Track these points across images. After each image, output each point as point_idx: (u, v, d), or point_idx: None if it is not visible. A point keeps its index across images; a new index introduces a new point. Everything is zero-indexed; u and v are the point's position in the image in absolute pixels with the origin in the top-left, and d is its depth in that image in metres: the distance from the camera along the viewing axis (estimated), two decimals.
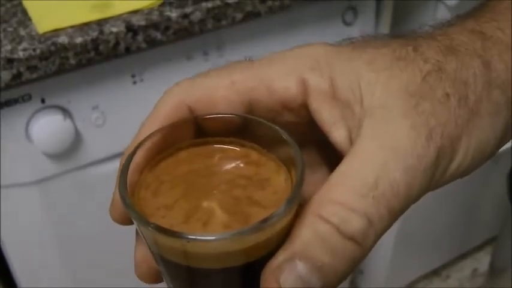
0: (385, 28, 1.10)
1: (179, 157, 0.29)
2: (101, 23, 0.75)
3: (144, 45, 0.77)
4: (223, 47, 0.87)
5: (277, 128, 0.26)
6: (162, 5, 0.78)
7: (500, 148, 0.28)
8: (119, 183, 0.26)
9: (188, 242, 0.23)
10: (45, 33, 0.73)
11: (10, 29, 0.74)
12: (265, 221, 0.23)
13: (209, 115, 0.28)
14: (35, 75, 0.71)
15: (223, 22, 0.81)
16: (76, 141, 0.81)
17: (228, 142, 0.28)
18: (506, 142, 0.28)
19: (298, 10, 0.90)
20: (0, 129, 0.76)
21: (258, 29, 0.89)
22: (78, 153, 0.83)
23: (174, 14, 0.77)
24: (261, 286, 0.23)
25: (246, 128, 0.27)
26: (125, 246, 0.99)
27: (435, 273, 1.71)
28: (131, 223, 0.29)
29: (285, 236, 0.24)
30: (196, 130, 0.28)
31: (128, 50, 0.76)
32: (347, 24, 1.01)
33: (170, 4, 0.79)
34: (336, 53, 0.26)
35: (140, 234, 0.28)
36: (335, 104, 0.25)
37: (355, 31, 1.02)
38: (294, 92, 0.26)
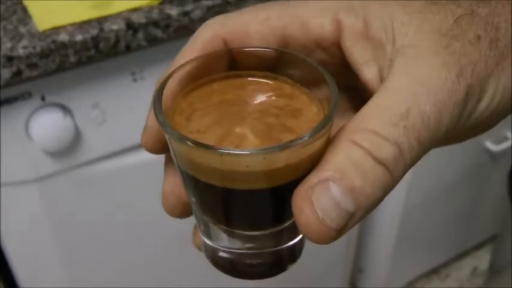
0: None
1: (212, 87, 0.29)
2: (101, 20, 0.75)
3: (144, 43, 0.77)
4: None
5: (311, 61, 0.26)
6: (162, 2, 0.78)
7: None
8: (154, 105, 0.26)
9: (222, 155, 0.23)
10: (45, 30, 0.73)
11: (10, 27, 0.74)
12: (296, 139, 0.23)
13: (244, 48, 0.28)
14: (35, 73, 0.71)
15: None
16: (76, 139, 0.81)
17: (262, 76, 0.29)
18: None
19: None
20: (0, 127, 0.76)
21: None
22: (78, 151, 0.83)
23: (174, 11, 0.77)
24: (292, 205, 0.23)
25: (280, 62, 0.28)
26: (125, 244, 1.00)
27: (435, 272, 1.71)
28: (162, 150, 0.29)
29: (316, 162, 0.24)
30: (230, 63, 0.28)
31: (128, 48, 0.76)
32: None
33: (170, 2, 0.79)
34: None
35: (173, 156, 0.27)
36: (367, 43, 0.26)
37: None
38: (328, 29, 0.26)
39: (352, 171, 0.22)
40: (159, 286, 1.09)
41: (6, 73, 0.70)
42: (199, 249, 0.30)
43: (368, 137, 0.23)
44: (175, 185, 0.29)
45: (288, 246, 0.29)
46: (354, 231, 1.43)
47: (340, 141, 0.23)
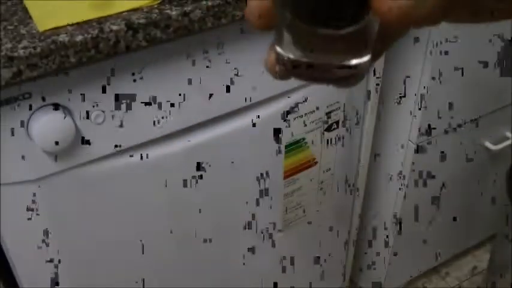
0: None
1: None
2: (101, 21, 0.75)
3: (144, 43, 0.77)
4: (223, 45, 0.87)
5: None
6: (162, 3, 0.79)
7: None
8: None
9: None
10: (45, 31, 0.73)
11: (10, 27, 0.74)
12: None
13: None
14: (35, 74, 0.71)
15: (223, 20, 0.81)
16: (76, 139, 0.81)
17: None
18: None
19: None
20: (0, 127, 0.76)
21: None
22: (78, 151, 0.83)
23: (174, 12, 0.77)
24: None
25: None
26: (126, 244, 1.00)
27: (434, 270, 1.72)
28: None
29: None
30: None
31: (128, 48, 0.76)
32: None
33: (170, 2, 0.79)
34: None
35: None
36: None
37: None
38: None
39: None
40: (160, 286, 1.09)
41: (6, 73, 0.70)
42: (273, 70, 0.32)
43: None
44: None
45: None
46: (353, 230, 1.43)
47: None
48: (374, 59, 0.32)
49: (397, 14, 0.25)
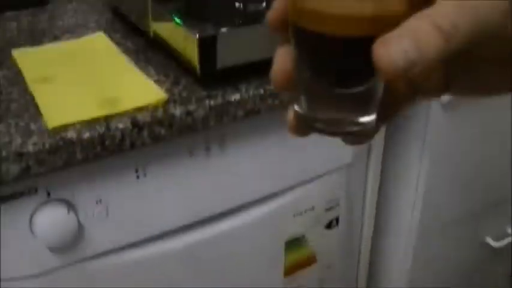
0: (379, 133, 1.13)
1: None
2: (108, 118, 0.78)
3: (148, 140, 0.80)
4: (225, 143, 0.90)
5: None
6: (167, 102, 0.82)
7: None
8: None
9: None
10: (54, 128, 0.76)
11: (22, 124, 0.77)
12: None
13: None
14: (42, 169, 0.74)
15: (225, 119, 0.84)
16: (79, 234, 0.82)
17: None
18: None
19: None
20: (3, 222, 0.77)
21: (259, 125, 0.93)
22: (81, 246, 0.84)
23: (178, 111, 0.80)
24: (374, 45, 0.29)
25: None
26: None
27: None
28: (282, 28, 0.34)
29: (396, 25, 0.30)
30: None
31: (132, 145, 0.79)
32: None
33: (174, 101, 0.82)
34: None
35: (290, 28, 0.33)
36: None
37: None
38: None
39: (419, 35, 0.29)
40: None
41: (14, 169, 0.72)
42: (292, 127, 0.36)
43: (432, 14, 0.30)
44: (285, 62, 0.35)
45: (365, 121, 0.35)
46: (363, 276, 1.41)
47: (413, 17, 0.30)
48: (383, 122, 0.36)
49: (397, 74, 0.29)
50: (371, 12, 0.30)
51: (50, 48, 1.01)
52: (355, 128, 0.34)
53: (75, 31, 1.09)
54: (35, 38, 1.06)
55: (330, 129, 0.35)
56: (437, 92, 0.38)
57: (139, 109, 0.80)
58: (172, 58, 0.93)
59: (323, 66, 0.33)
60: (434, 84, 0.37)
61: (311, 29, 0.31)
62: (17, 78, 0.90)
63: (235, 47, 0.85)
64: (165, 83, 0.88)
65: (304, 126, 0.36)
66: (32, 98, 0.83)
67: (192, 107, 0.81)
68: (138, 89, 0.85)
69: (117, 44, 1.01)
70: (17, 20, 1.15)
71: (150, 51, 0.99)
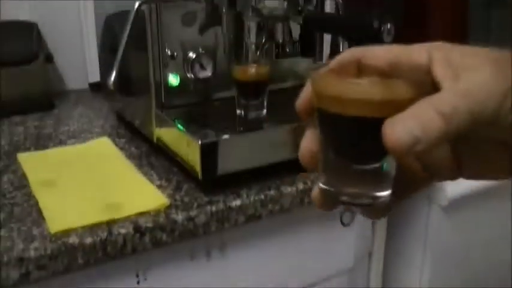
0: (381, 230, 1.14)
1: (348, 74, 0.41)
2: (110, 223, 0.79)
3: (149, 245, 0.80)
4: (225, 248, 0.90)
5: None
6: (169, 207, 0.83)
7: None
8: (310, 76, 0.39)
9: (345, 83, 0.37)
10: (56, 233, 0.76)
11: (24, 228, 0.78)
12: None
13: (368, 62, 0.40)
14: (43, 274, 0.74)
15: (226, 224, 0.85)
16: None
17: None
18: None
19: (297, 213, 0.95)
20: None
21: (260, 230, 0.93)
22: None
23: (180, 216, 0.81)
24: (382, 130, 0.35)
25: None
26: None
27: None
28: (307, 115, 0.41)
29: (404, 109, 0.35)
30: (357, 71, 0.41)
31: (134, 250, 0.79)
32: (345, 225, 1.05)
33: (176, 206, 0.83)
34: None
35: (316, 114, 0.39)
36: (444, 67, 0.38)
37: (352, 233, 1.06)
38: (424, 58, 0.39)
39: (422, 117, 0.35)
40: None
41: (14, 274, 0.72)
42: (316, 200, 0.41)
43: (435, 100, 0.35)
44: (311, 143, 0.41)
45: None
46: None
47: (418, 102, 0.36)
48: (400, 199, 0.42)
49: (403, 150, 0.35)
50: (380, 97, 0.36)
51: (54, 152, 1.03)
52: (372, 202, 0.39)
53: (80, 136, 1.12)
54: (41, 143, 1.08)
55: (350, 202, 0.39)
56: (450, 174, 0.43)
57: (142, 214, 0.81)
58: (175, 163, 0.95)
59: (342, 144, 0.38)
60: (446, 166, 0.42)
61: (331, 111, 0.37)
62: (21, 182, 0.92)
63: (236, 153, 0.87)
64: (167, 188, 0.89)
65: (328, 201, 0.41)
66: (36, 202, 0.85)
67: (193, 213, 0.82)
68: (140, 194, 0.87)
69: (121, 149, 1.04)
70: (24, 125, 1.18)
71: (153, 156, 1.01)
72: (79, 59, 1.41)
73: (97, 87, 1.36)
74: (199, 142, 0.85)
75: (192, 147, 0.86)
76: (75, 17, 1.39)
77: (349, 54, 0.41)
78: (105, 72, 1.20)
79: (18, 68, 1.23)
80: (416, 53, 0.39)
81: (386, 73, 0.40)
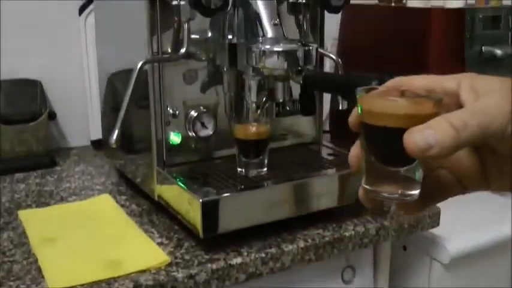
0: (383, 286, 1.13)
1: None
2: (110, 281, 0.79)
3: None
4: None
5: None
6: (169, 264, 0.83)
7: None
8: (357, 94, 0.47)
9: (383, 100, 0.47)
10: None
11: (23, 286, 0.77)
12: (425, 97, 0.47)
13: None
14: None
15: (227, 283, 0.85)
16: None
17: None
18: None
19: (298, 270, 0.95)
20: None
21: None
22: None
23: (180, 274, 0.81)
24: (403, 137, 0.43)
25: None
26: None
27: None
28: (356, 128, 0.48)
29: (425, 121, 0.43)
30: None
31: None
32: (346, 282, 1.05)
33: (177, 264, 0.83)
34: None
35: (361, 128, 0.48)
36: (469, 92, 0.46)
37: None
38: (453, 86, 0.47)
39: (437, 128, 0.42)
40: None
41: None
42: (363, 199, 0.49)
43: (449, 116, 0.43)
44: (358, 149, 0.49)
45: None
46: None
47: (436, 117, 0.44)
48: (428, 204, 0.51)
49: (418, 153, 0.43)
50: (404, 111, 0.44)
51: (55, 210, 1.04)
52: (403, 198, 0.48)
53: (81, 193, 1.12)
54: (42, 200, 1.09)
55: (386, 198, 0.48)
56: (480, 186, 0.50)
57: (142, 272, 0.81)
58: (176, 221, 0.95)
59: (378, 150, 0.47)
60: (475, 178, 0.50)
61: (369, 123, 0.46)
62: (21, 239, 0.92)
63: (237, 211, 0.88)
64: (168, 245, 0.89)
65: (370, 198, 0.49)
66: (35, 260, 0.84)
67: (194, 271, 0.82)
68: (141, 252, 0.87)
69: (122, 206, 1.04)
70: (26, 182, 1.19)
71: (154, 214, 1.01)
72: (81, 116, 1.42)
73: (99, 145, 1.37)
74: (200, 200, 0.85)
75: (193, 205, 0.87)
76: (78, 75, 1.42)
77: (393, 81, 0.50)
78: (107, 129, 1.21)
79: (21, 126, 1.25)
80: (448, 81, 0.48)
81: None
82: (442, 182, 0.50)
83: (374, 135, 0.47)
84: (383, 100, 0.47)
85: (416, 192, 0.48)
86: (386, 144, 0.47)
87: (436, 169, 0.51)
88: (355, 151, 0.50)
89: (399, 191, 0.48)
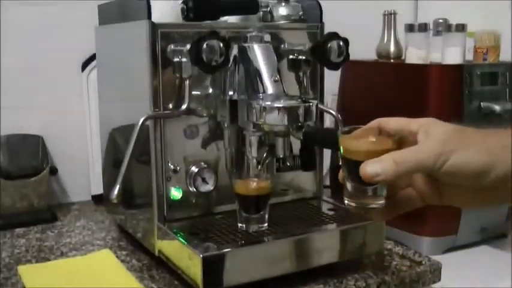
0: None
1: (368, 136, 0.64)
2: None
3: None
4: None
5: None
6: None
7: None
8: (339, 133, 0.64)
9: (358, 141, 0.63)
10: None
11: None
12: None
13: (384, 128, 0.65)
14: None
15: None
16: None
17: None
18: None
19: None
20: None
21: None
22: None
23: None
24: (360, 168, 0.59)
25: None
26: None
27: None
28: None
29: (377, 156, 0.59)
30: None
31: None
32: None
33: None
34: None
35: (341, 157, 0.63)
36: (425, 134, 0.59)
37: None
38: (415, 127, 0.61)
39: (383, 162, 0.57)
40: None
41: None
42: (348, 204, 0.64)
43: (395, 153, 0.58)
44: (342, 173, 0.64)
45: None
46: None
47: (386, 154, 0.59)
48: (397, 211, 0.65)
49: (368, 179, 0.58)
50: (365, 149, 0.60)
51: (55, 265, 1.03)
52: (373, 207, 0.63)
53: (81, 248, 1.12)
54: (42, 255, 1.08)
55: (360, 207, 0.63)
56: (435, 200, 0.63)
57: None
58: (176, 276, 0.94)
59: (352, 174, 0.62)
60: (430, 195, 0.63)
61: (345, 156, 0.62)
62: None
63: (238, 266, 0.87)
64: None
65: (351, 207, 0.64)
66: None
67: None
68: None
69: (123, 261, 1.04)
70: (26, 237, 1.19)
71: (154, 269, 1.01)
72: (82, 171, 1.43)
73: (99, 199, 1.37)
74: (201, 255, 0.85)
75: (193, 261, 0.87)
76: (80, 130, 1.43)
77: (374, 122, 0.64)
78: (108, 184, 1.22)
79: (23, 181, 1.25)
80: (413, 123, 0.61)
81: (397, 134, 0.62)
82: (408, 197, 0.64)
83: (348, 165, 0.63)
84: (354, 141, 0.62)
85: (380, 202, 0.63)
86: (355, 171, 0.60)
87: (405, 188, 0.64)
88: (341, 174, 0.65)
89: (368, 202, 0.63)
